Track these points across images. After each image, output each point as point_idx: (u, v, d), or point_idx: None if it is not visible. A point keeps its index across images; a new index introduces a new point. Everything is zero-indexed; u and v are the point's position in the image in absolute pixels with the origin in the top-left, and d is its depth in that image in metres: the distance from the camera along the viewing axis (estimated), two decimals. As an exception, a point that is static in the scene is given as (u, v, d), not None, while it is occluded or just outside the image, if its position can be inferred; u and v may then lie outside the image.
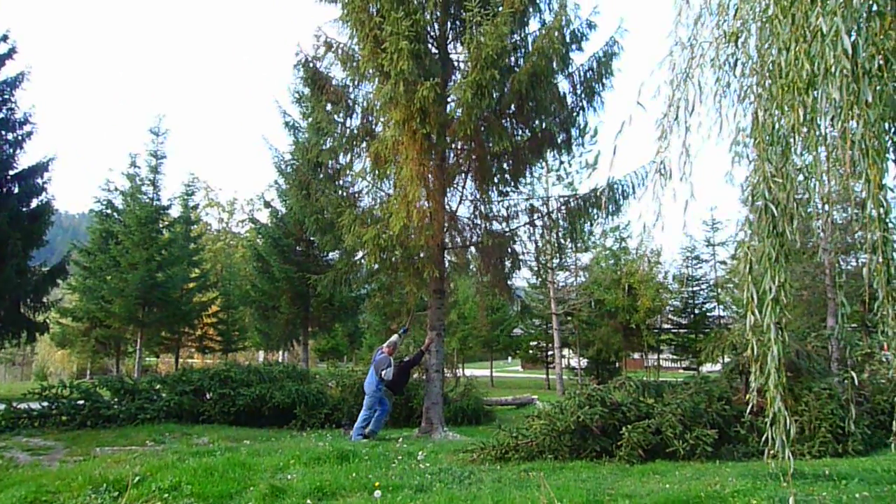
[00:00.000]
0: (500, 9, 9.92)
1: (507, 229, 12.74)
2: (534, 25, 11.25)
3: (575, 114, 11.69)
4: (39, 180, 19.19)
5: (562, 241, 12.61)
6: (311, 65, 12.09)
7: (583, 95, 11.51)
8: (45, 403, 12.06)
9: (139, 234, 23.77)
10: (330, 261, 23.35)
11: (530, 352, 42.91)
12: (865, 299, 3.39)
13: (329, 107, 12.11)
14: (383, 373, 10.82)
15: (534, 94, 10.41)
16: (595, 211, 11.70)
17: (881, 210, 3.09)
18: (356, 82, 11.88)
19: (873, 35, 3.28)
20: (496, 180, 12.18)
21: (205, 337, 33.47)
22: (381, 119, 11.36)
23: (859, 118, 3.01)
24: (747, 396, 3.42)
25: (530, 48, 10.81)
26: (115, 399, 12.73)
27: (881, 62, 3.23)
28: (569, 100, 11.59)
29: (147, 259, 23.45)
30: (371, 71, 10.86)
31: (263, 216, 25.35)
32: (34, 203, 19.27)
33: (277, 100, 23.02)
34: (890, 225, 3.31)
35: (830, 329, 13.23)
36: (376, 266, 11.84)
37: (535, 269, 33.52)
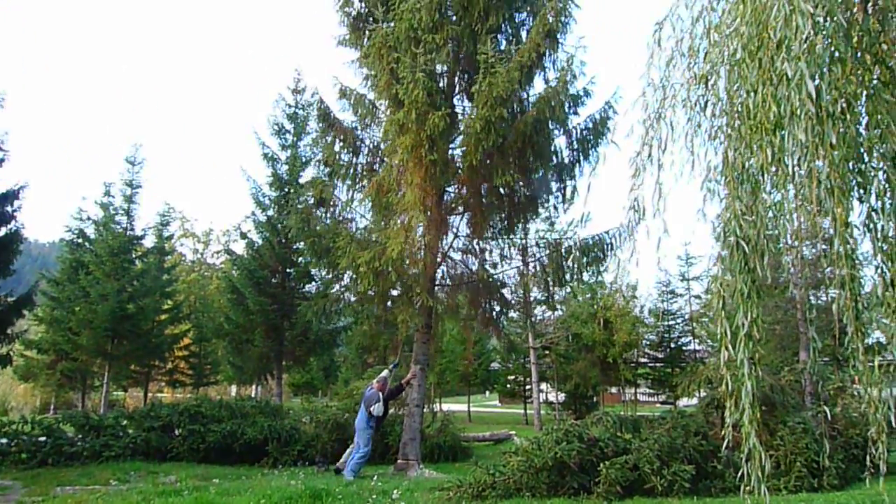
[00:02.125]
0: (514, 56, 10.70)
1: (497, 272, 13.41)
2: (539, 84, 11.96)
3: (571, 166, 12.28)
4: (9, 208, 18.72)
5: (551, 286, 12.98)
6: (324, 106, 12.78)
7: (579, 150, 12.11)
8: (4, 440, 11.61)
9: (111, 264, 23.32)
10: (306, 293, 23.13)
11: (508, 386, 42.63)
12: (836, 333, 3.45)
13: (337, 146, 12.76)
14: (372, 409, 10.71)
15: (536, 139, 10.97)
16: (583, 259, 12.20)
17: (848, 247, 3.17)
18: (367, 124, 12.68)
19: (836, 80, 3.42)
20: (491, 225, 12.82)
21: (176, 370, 32.68)
22: (387, 154, 11.93)
23: (825, 158, 3.11)
24: (723, 431, 3.43)
25: (534, 99, 11.51)
26: (80, 435, 12.31)
27: (843, 105, 3.35)
28: (565, 153, 12.23)
29: (118, 290, 22.96)
30: (385, 103, 11.66)
31: (239, 247, 25.13)
32: (2, 231, 18.82)
33: (256, 131, 22.92)
34: (856, 261, 3.40)
35: (803, 363, 13.41)
36: (371, 291, 12.13)
37: (523, 310, 33.60)
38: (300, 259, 22.88)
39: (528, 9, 12.06)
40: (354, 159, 12.90)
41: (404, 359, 12.77)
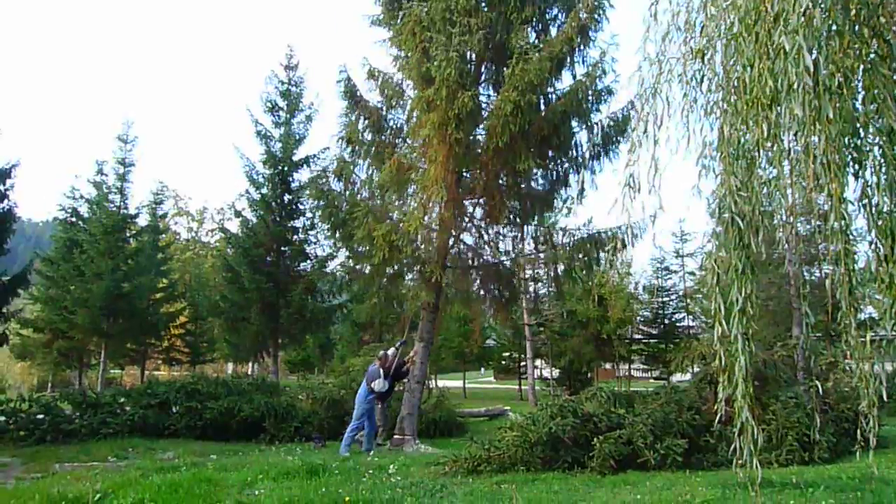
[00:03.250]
0: (546, 46, 11.04)
1: (509, 260, 13.75)
2: (566, 78, 12.13)
3: (591, 160, 12.37)
4: (2, 187, 18.61)
5: (562, 276, 13.24)
6: (351, 84, 13.04)
7: (600, 146, 12.21)
8: (3, 418, 11.66)
9: (105, 242, 23.24)
10: (301, 271, 23.13)
11: (503, 363, 42.96)
12: (829, 309, 3.47)
13: (361, 124, 13.00)
14: (374, 384, 10.80)
15: (561, 129, 11.35)
16: (597, 251, 12.44)
17: (843, 223, 3.17)
18: (392, 104, 12.91)
19: (833, 53, 3.38)
20: (507, 212, 13.04)
21: (172, 349, 32.78)
22: (411, 134, 12.35)
23: (821, 133, 3.09)
24: (715, 406, 3.46)
25: (562, 93, 11.81)
26: (77, 413, 12.36)
27: (841, 80, 3.32)
28: (585, 147, 12.33)
29: (113, 269, 22.92)
30: (411, 84, 12.10)
31: (234, 226, 24.97)
32: (-5, 211, 18.68)
33: (249, 108, 22.66)
34: (851, 237, 3.40)
35: (796, 339, 13.51)
36: (389, 269, 12.62)
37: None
38: (295, 237, 22.84)
39: (560, 5, 12.33)
40: (377, 138, 13.11)
41: (410, 339, 12.90)
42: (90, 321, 22.84)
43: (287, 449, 11.10)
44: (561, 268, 13.03)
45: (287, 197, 22.68)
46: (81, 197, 25.87)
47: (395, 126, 13.16)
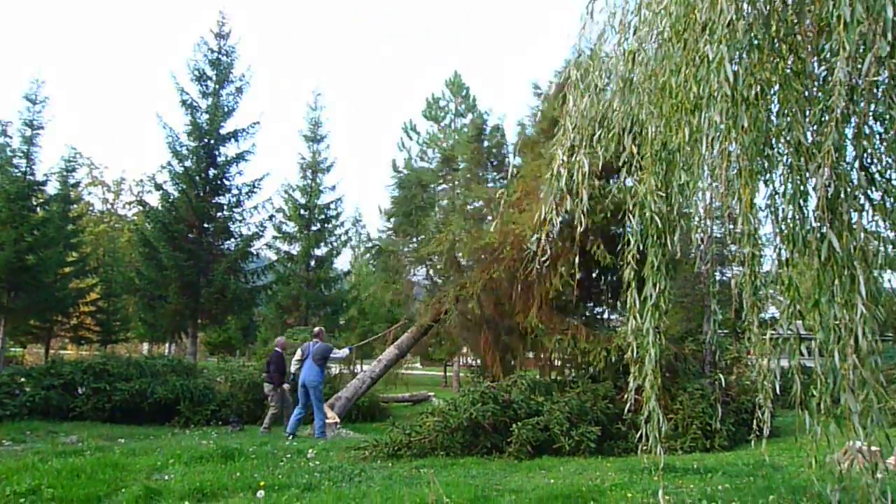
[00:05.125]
0: None
1: None
2: None
3: None
4: None
5: None
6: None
7: None
8: None
9: (7, 210, 21.56)
10: (226, 250, 22.38)
11: (429, 349, 43.17)
12: (736, 308, 3.68)
13: None
14: (339, 354, 10.77)
15: None
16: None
17: (751, 227, 3.36)
18: None
19: (753, 66, 3.56)
20: None
21: (81, 326, 30.97)
22: None
23: (736, 141, 3.25)
24: (626, 395, 3.62)
25: None
26: (-31, 393, 11.51)
27: (758, 91, 3.51)
28: None
29: (15, 239, 21.32)
30: None
31: (153, 199, 23.72)
32: None
33: (174, 75, 21.51)
34: (759, 241, 3.61)
35: (705, 334, 14.28)
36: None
37: (439, 267, 33.89)
38: (219, 214, 22.05)
39: None
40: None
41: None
42: (-12, 295, 21.26)
43: (202, 433, 10.78)
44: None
45: (213, 172, 21.84)
46: (-18, 159, 23.93)
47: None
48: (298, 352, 11.03)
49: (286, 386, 11.57)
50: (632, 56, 4.28)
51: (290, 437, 9.96)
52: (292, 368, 10.98)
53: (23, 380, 12.35)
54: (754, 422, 3.89)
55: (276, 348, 12.15)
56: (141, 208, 25.16)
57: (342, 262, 34.83)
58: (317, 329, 11.47)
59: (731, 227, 3.75)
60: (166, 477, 6.23)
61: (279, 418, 11.38)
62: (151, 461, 6.92)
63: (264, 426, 11.23)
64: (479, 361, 15.14)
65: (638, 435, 3.51)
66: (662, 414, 3.36)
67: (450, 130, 29.95)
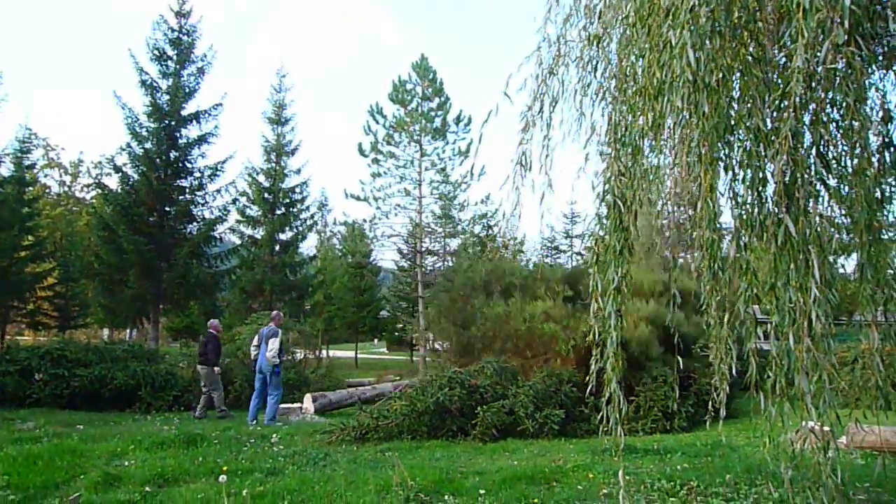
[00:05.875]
0: None
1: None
2: None
3: None
4: None
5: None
6: None
7: None
8: None
9: (-42, 192, 20.78)
10: (188, 234, 21.90)
11: (396, 334, 43.27)
12: (694, 292, 3.74)
13: None
14: (271, 342, 10.24)
15: None
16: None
17: (710, 211, 3.41)
18: None
19: (714, 52, 3.59)
20: None
21: (38, 311, 30.07)
22: None
23: (697, 127, 3.28)
24: (587, 378, 3.66)
25: None
26: (-81, 380, 11.10)
27: (719, 77, 3.54)
28: None
29: (-33, 222, 20.57)
30: None
31: (112, 182, 22.96)
32: None
33: (133, 54, 20.78)
34: (718, 226, 3.67)
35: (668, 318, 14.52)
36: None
37: (405, 252, 33.87)
38: (181, 197, 21.53)
39: None
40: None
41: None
42: (-62, 279, 20.46)
43: (164, 419, 10.61)
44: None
45: (174, 154, 21.28)
46: (-71, 138, 22.88)
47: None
48: (255, 337, 10.90)
49: (216, 369, 11.38)
50: (597, 40, 4.28)
51: (254, 424, 9.85)
52: (252, 354, 10.83)
53: (-25, 366, 11.95)
54: (709, 404, 3.98)
55: (211, 330, 11.90)
56: (100, 191, 24.38)
57: (308, 247, 34.44)
58: (274, 313, 11.33)
59: (692, 212, 3.80)
60: (126, 463, 6.12)
61: (211, 402, 11.23)
62: (111, 447, 6.78)
63: (197, 414, 11.08)
64: (445, 346, 15.20)
65: (599, 417, 3.55)
66: (624, 396, 3.41)
67: (416, 114, 29.73)
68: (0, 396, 11.41)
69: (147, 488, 5.23)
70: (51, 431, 8.25)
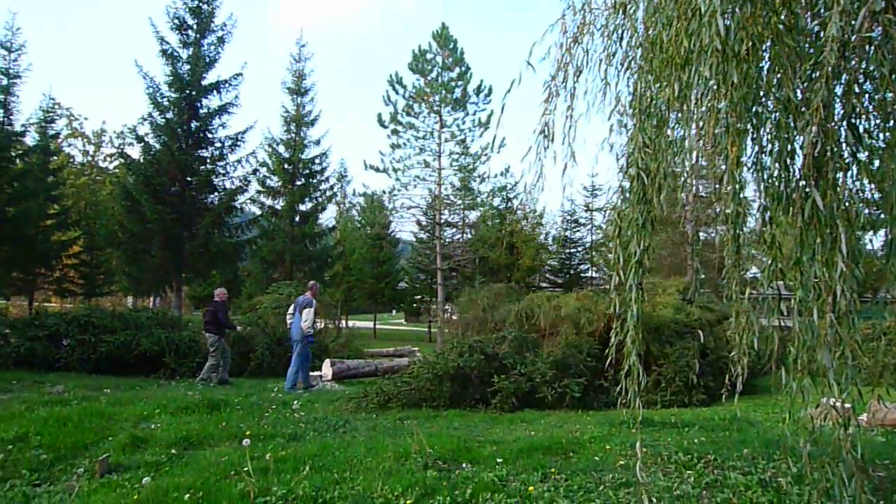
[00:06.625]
0: None
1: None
2: None
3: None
4: None
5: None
6: None
7: None
8: None
9: (-14, 161, 21.10)
10: (209, 203, 22.11)
11: (414, 305, 43.62)
12: (718, 267, 3.70)
13: None
14: (304, 313, 10.57)
15: None
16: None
17: (737, 185, 3.35)
18: None
19: (745, 19, 3.49)
20: None
21: (64, 279, 30.72)
22: None
23: (726, 97, 3.21)
24: (607, 351, 3.66)
25: None
26: (-47, 343, 11.45)
27: (749, 46, 3.45)
28: None
29: (-5, 190, 20.93)
30: None
31: (135, 151, 23.18)
32: None
33: (154, 23, 20.78)
34: (744, 200, 3.61)
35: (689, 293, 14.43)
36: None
37: (424, 223, 33.91)
38: (202, 167, 21.69)
39: None
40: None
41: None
42: (-31, 247, 20.94)
43: (188, 384, 10.86)
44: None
45: (195, 124, 21.38)
46: (-43, 108, 23.18)
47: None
48: (291, 306, 11.23)
49: (214, 336, 11.59)
50: (623, 7, 4.18)
51: (292, 390, 10.11)
52: (287, 322, 11.20)
53: (7, 331, 12.29)
54: (727, 378, 3.96)
55: (216, 299, 12.12)
56: (122, 161, 24.65)
57: (327, 218, 34.66)
58: (311, 283, 11.55)
59: (717, 186, 3.74)
60: (153, 426, 6.29)
61: (216, 368, 11.48)
62: (137, 411, 6.97)
63: (201, 376, 11.34)
64: (463, 317, 15.29)
65: (618, 389, 3.56)
66: (644, 370, 3.41)
67: (437, 84, 29.43)
68: (30, 360, 11.73)
69: (173, 450, 5.39)
70: (79, 395, 8.51)
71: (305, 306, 10.64)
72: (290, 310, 11.13)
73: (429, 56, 29.68)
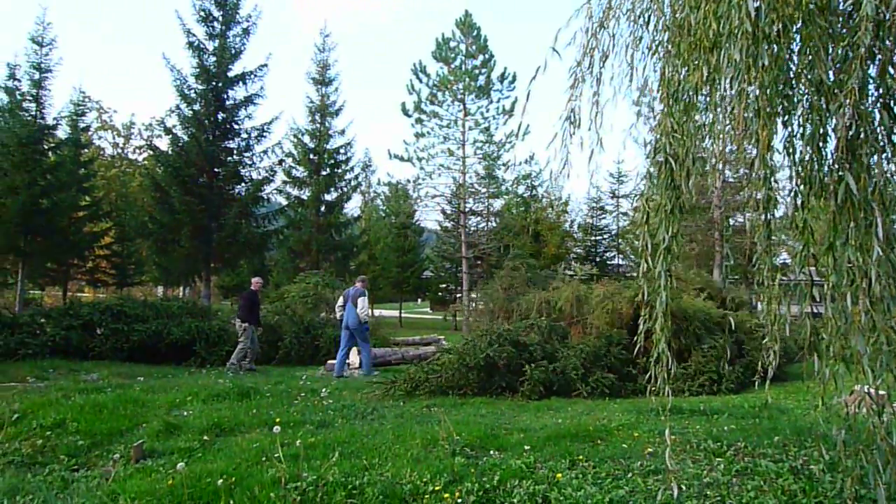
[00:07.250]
0: None
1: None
2: None
3: None
4: None
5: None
6: None
7: None
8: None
9: (20, 154, 21.58)
10: (236, 194, 22.41)
11: (439, 294, 43.74)
12: (748, 253, 3.65)
13: None
14: (360, 300, 11.03)
15: None
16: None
17: (767, 170, 3.29)
18: None
19: (775, 0, 3.42)
20: None
21: (97, 270, 31.45)
22: None
23: (756, 80, 3.15)
24: (635, 338, 3.65)
25: None
26: (-7, 333, 11.83)
27: (780, 28, 3.37)
28: None
29: (29, 183, 21.43)
30: None
31: (163, 143, 23.59)
32: None
33: (180, 16, 21.04)
34: (775, 185, 3.55)
35: (718, 280, 14.25)
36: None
37: (448, 212, 33.90)
38: (229, 158, 21.97)
39: None
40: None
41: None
42: (5, 238, 21.50)
43: (218, 373, 11.07)
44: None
45: (221, 115, 21.66)
46: (-8, 103, 23.76)
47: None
48: (340, 298, 11.60)
49: (245, 325, 11.89)
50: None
51: (338, 378, 10.42)
52: (337, 314, 11.55)
53: (43, 320, 12.65)
54: (759, 365, 3.92)
55: (253, 287, 12.62)
56: (151, 153, 25.07)
57: (352, 207, 34.91)
58: (361, 276, 12.02)
59: (747, 171, 3.67)
60: (185, 413, 6.44)
61: (244, 354, 11.75)
62: (170, 398, 7.14)
63: (231, 362, 11.59)
64: (490, 306, 15.31)
65: (647, 376, 3.55)
66: (674, 360, 3.39)
67: (460, 72, 29.29)
68: (65, 349, 12.07)
69: (205, 437, 5.52)
70: (113, 382, 8.74)
71: (358, 296, 11.09)
72: (340, 301, 11.54)
73: (452, 44, 29.55)
